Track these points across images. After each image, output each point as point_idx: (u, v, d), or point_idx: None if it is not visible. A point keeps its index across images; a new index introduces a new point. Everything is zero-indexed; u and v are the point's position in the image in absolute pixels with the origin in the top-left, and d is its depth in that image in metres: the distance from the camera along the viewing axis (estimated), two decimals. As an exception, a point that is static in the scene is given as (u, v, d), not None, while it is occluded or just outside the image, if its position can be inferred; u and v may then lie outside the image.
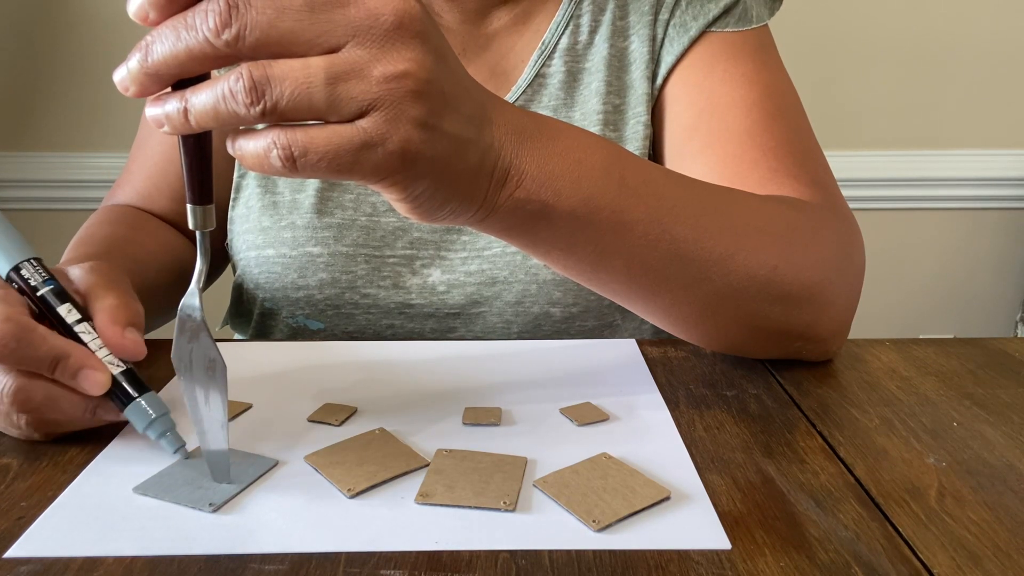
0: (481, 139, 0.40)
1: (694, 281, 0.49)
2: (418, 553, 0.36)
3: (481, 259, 0.66)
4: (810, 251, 0.53)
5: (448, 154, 0.38)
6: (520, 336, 0.67)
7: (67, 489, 0.41)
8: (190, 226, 0.38)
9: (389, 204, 0.66)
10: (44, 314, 0.45)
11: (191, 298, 0.40)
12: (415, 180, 0.37)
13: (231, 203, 0.70)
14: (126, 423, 0.48)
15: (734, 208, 0.51)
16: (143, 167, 0.74)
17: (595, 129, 0.67)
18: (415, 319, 0.67)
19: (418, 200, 0.39)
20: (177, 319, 0.41)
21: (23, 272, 0.46)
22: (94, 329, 0.45)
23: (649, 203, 0.46)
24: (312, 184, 0.66)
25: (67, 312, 0.45)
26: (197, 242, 0.39)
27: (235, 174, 0.70)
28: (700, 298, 0.50)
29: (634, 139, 0.67)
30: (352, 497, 0.41)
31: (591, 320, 0.67)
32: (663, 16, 0.67)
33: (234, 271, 0.73)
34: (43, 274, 0.46)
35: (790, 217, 0.54)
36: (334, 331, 0.68)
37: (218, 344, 0.40)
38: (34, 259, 0.46)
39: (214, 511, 0.39)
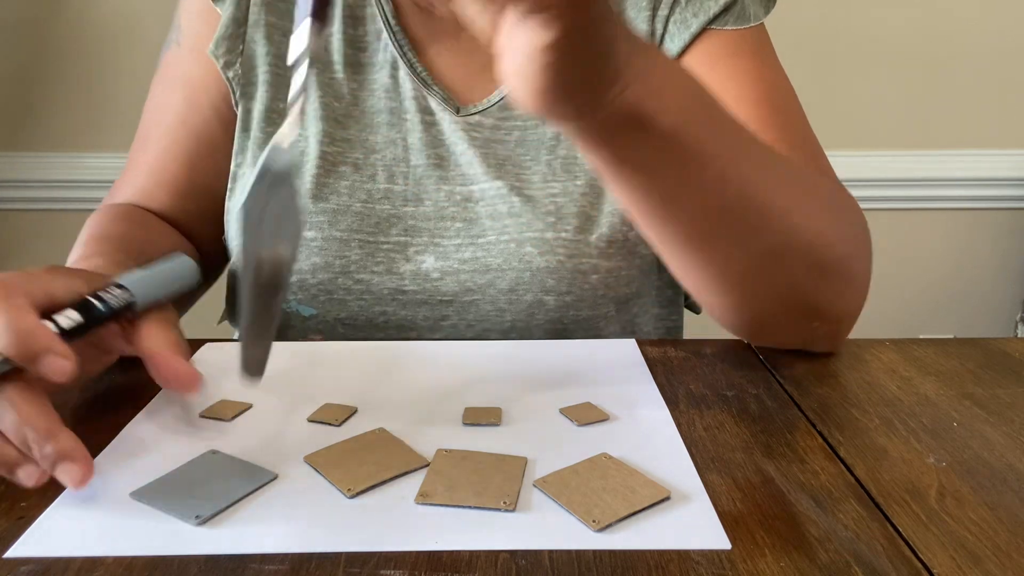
0: (612, 28, 0.40)
1: (751, 231, 0.50)
2: (418, 553, 0.36)
3: (475, 246, 0.67)
4: (843, 223, 0.55)
5: (598, 22, 0.37)
6: (513, 324, 0.67)
7: (67, 489, 0.41)
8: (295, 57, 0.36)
9: (384, 192, 0.67)
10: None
11: (281, 139, 0.37)
12: (569, 30, 0.36)
13: (228, 193, 0.70)
14: (130, 419, 0.48)
15: (793, 166, 0.54)
16: (145, 163, 0.74)
17: None
18: (408, 306, 0.67)
19: (552, 56, 0.37)
20: (261, 164, 0.37)
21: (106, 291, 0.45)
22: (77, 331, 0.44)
23: (729, 139, 0.48)
24: (308, 171, 0.67)
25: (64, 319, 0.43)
26: (298, 78, 0.38)
27: (232, 163, 0.70)
28: (749, 255, 0.51)
29: None
30: (352, 497, 0.41)
31: (585, 310, 0.67)
32: (662, 12, 0.68)
33: (228, 260, 0.74)
34: (114, 302, 0.45)
35: (830, 188, 0.57)
36: (326, 317, 0.68)
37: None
38: (132, 300, 0.46)
39: (199, 524, 0.39)
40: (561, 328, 0.67)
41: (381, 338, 0.67)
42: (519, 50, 0.38)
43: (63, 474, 0.40)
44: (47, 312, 0.43)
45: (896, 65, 1.62)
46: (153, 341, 0.46)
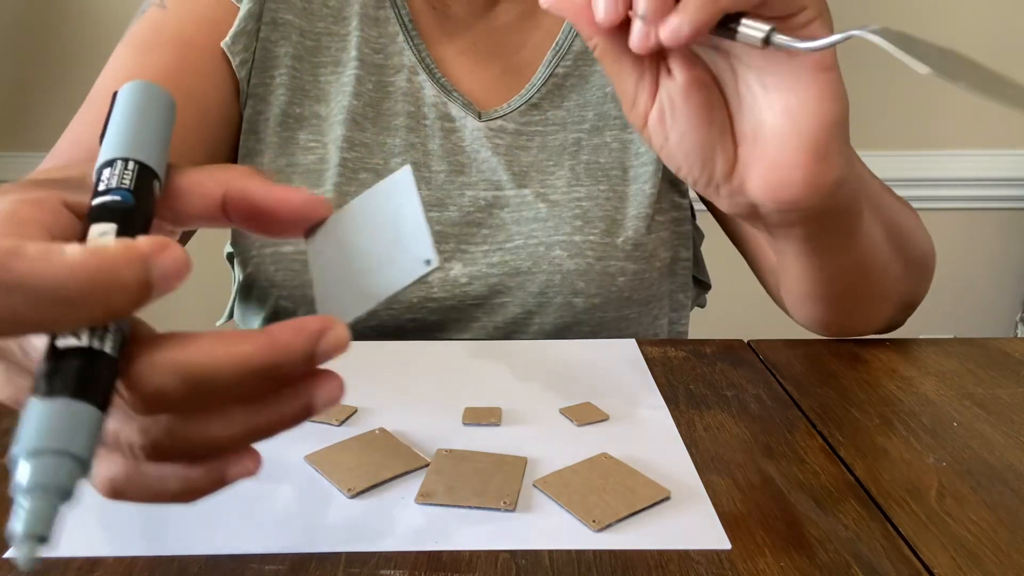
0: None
1: (871, 280, 0.57)
2: (418, 553, 0.36)
3: (503, 251, 0.66)
4: (927, 267, 0.65)
5: None
6: (541, 327, 0.67)
7: (67, 489, 0.41)
8: None
9: None
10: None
11: None
12: (847, 107, 0.42)
13: None
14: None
15: (897, 212, 0.61)
16: (93, 129, 0.61)
17: (612, 132, 0.69)
18: (437, 312, 0.67)
19: (843, 130, 0.42)
20: None
21: (105, 171, 0.29)
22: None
23: (874, 201, 0.54)
24: (329, 179, 0.66)
25: (97, 232, 0.26)
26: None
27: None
28: (864, 299, 0.59)
29: None
30: (352, 497, 0.41)
31: (611, 311, 0.68)
32: None
33: (240, 269, 0.72)
34: (129, 181, 0.28)
35: (912, 227, 0.64)
36: (355, 327, 0.67)
37: None
38: (141, 164, 0.29)
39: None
40: (588, 331, 0.67)
41: (410, 340, 0.67)
42: (819, 125, 0.40)
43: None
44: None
45: (896, 65, 1.62)
46: (221, 175, 0.31)
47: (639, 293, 0.68)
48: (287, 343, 0.26)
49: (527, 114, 0.69)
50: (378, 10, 0.69)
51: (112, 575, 0.35)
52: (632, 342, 0.60)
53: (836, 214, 0.47)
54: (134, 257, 0.23)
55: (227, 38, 0.65)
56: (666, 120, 0.40)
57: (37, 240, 0.24)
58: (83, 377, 0.23)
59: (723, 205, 0.44)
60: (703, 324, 0.94)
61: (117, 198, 0.28)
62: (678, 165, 0.42)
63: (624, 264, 0.67)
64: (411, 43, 0.69)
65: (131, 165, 0.29)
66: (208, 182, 0.30)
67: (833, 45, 0.37)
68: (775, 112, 0.40)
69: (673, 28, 0.35)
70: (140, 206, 0.28)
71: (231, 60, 0.66)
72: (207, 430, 0.26)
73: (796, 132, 0.40)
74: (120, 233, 0.26)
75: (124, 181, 0.28)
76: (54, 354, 0.24)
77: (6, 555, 0.37)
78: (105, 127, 0.30)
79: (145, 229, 0.28)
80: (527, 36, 0.70)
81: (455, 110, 0.68)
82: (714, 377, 0.55)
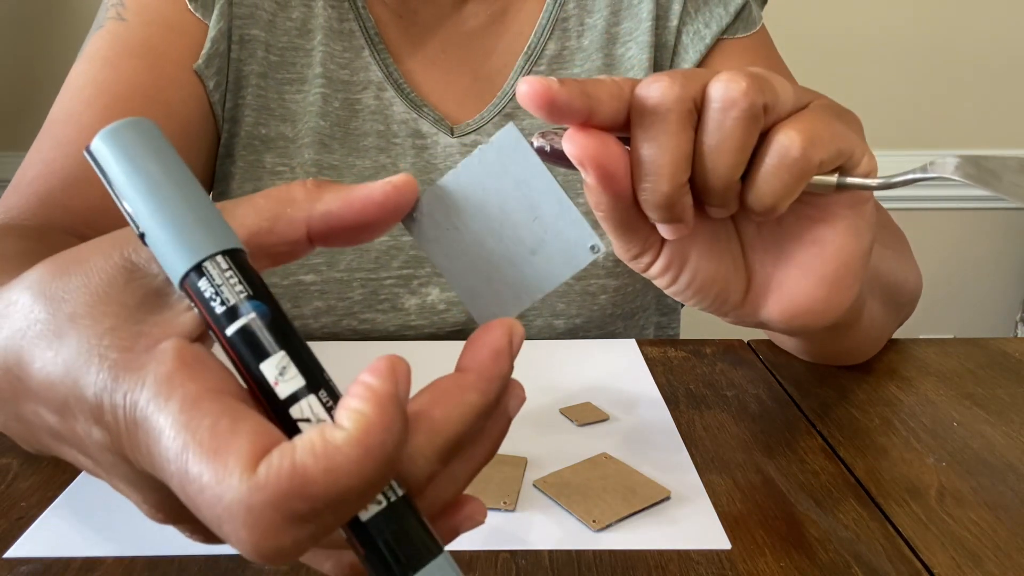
0: None
1: (866, 342, 0.56)
2: (418, 553, 0.36)
3: None
4: (911, 304, 0.62)
5: None
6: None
7: (67, 489, 0.41)
8: None
9: None
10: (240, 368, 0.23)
11: None
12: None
13: None
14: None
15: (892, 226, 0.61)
16: (64, 151, 0.57)
17: None
18: (416, 340, 0.66)
19: (868, 257, 0.38)
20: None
21: (202, 282, 0.23)
22: (331, 398, 0.23)
23: (873, 283, 0.51)
24: None
25: (276, 371, 0.23)
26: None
27: (213, 191, 0.66)
28: (859, 352, 0.57)
29: None
30: (352, 497, 0.41)
31: (594, 330, 0.67)
32: (671, 23, 0.67)
33: None
34: (238, 283, 0.23)
35: (906, 277, 0.60)
36: (337, 335, 0.67)
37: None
38: (227, 252, 0.24)
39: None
40: None
41: None
42: (849, 257, 0.36)
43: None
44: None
45: (896, 65, 1.62)
46: (291, 212, 0.26)
47: (622, 308, 0.68)
48: (496, 371, 0.25)
49: (500, 124, 0.66)
50: (342, 23, 0.65)
51: (112, 575, 0.35)
52: (632, 342, 0.60)
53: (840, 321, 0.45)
54: (392, 405, 0.21)
55: (200, 60, 0.61)
56: (673, 266, 0.37)
57: (247, 421, 0.21)
58: (414, 539, 0.22)
59: (726, 321, 0.41)
60: (703, 324, 0.94)
61: (252, 315, 0.23)
62: (687, 301, 0.39)
63: (605, 281, 0.66)
64: (377, 57, 0.66)
65: (223, 262, 0.23)
66: (283, 227, 0.26)
67: (907, 183, 0.36)
68: (800, 242, 0.37)
69: (767, 210, 0.33)
70: (269, 303, 0.23)
71: (205, 84, 0.62)
72: (442, 493, 0.25)
73: (822, 264, 0.37)
74: (291, 355, 0.23)
75: (237, 289, 0.23)
76: (369, 531, 0.22)
77: (6, 555, 0.37)
78: (122, 203, 0.24)
79: (288, 320, 0.23)
80: (497, 40, 0.68)
81: (426, 127, 0.66)
82: (714, 377, 0.55)
